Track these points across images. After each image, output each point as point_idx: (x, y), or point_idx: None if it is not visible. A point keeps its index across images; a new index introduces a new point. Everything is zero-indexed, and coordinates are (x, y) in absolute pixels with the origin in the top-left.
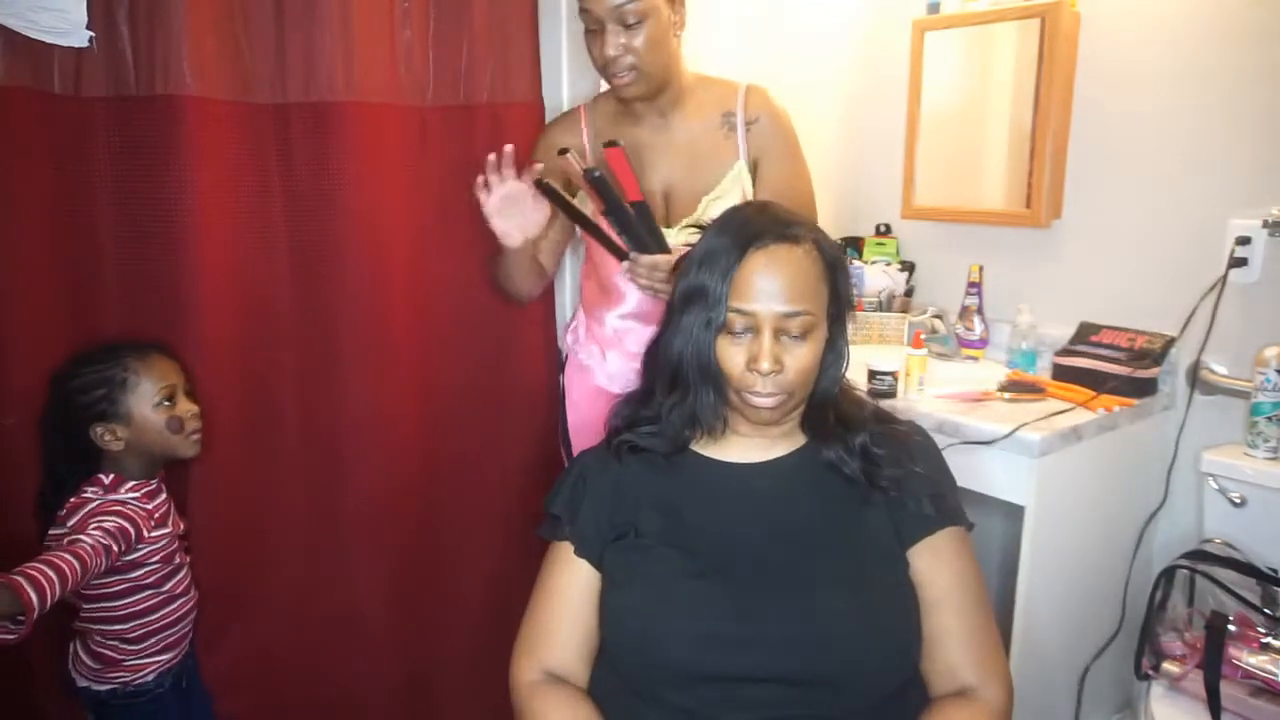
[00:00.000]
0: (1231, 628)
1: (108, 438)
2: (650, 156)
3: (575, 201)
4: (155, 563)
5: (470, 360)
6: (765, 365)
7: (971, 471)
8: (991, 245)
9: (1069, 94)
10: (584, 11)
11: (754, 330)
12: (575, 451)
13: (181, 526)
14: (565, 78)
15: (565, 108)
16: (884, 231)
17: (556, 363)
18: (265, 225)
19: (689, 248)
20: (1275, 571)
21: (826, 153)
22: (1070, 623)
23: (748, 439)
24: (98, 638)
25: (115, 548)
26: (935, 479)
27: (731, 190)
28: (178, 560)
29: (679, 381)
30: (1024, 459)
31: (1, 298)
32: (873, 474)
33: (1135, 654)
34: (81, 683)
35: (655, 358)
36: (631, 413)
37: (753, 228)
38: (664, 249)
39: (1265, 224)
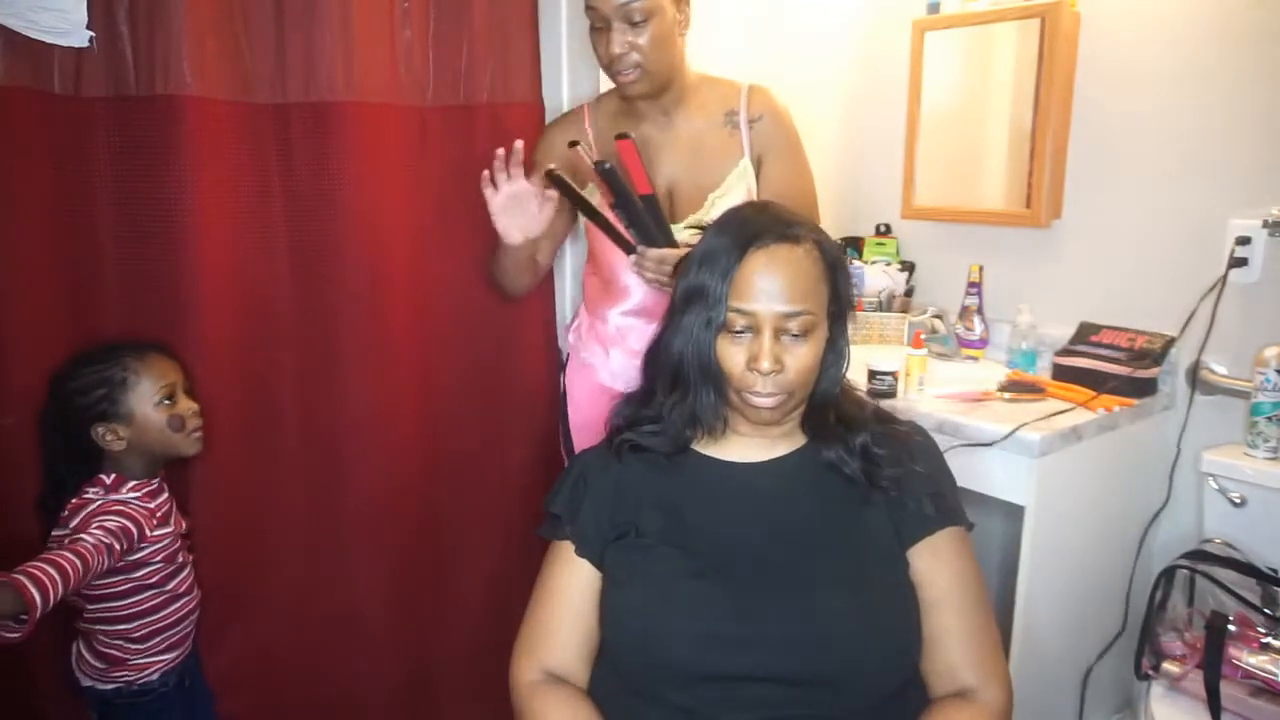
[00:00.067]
0: (1231, 628)
1: (109, 438)
2: (654, 154)
3: (583, 193)
4: (159, 562)
5: (470, 360)
6: (765, 365)
7: (971, 471)
8: (991, 245)
9: (1069, 94)
10: (590, 9)
11: (754, 330)
12: (577, 450)
13: (184, 525)
14: (565, 78)
15: (565, 108)
16: (884, 231)
17: (557, 363)
18: (265, 225)
19: (692, 247)
20: (1275, 571)
21: (826, 153)
22: (1070, 623)
23: (748, 439)
24: (102, 637)
25: (117, 546)
26: (935, 479)
27: (737, 187)
28: (181, 559)
29: (679, 381)
30: (1024, 459)
31: (1, 298)
32: (873, 474)
33: (1135, 654)
34: (86, 682)
35: (656, 357)
36: (632, 412)
37: (753, 227)
38: (671, 243)
39: (1265, 224)
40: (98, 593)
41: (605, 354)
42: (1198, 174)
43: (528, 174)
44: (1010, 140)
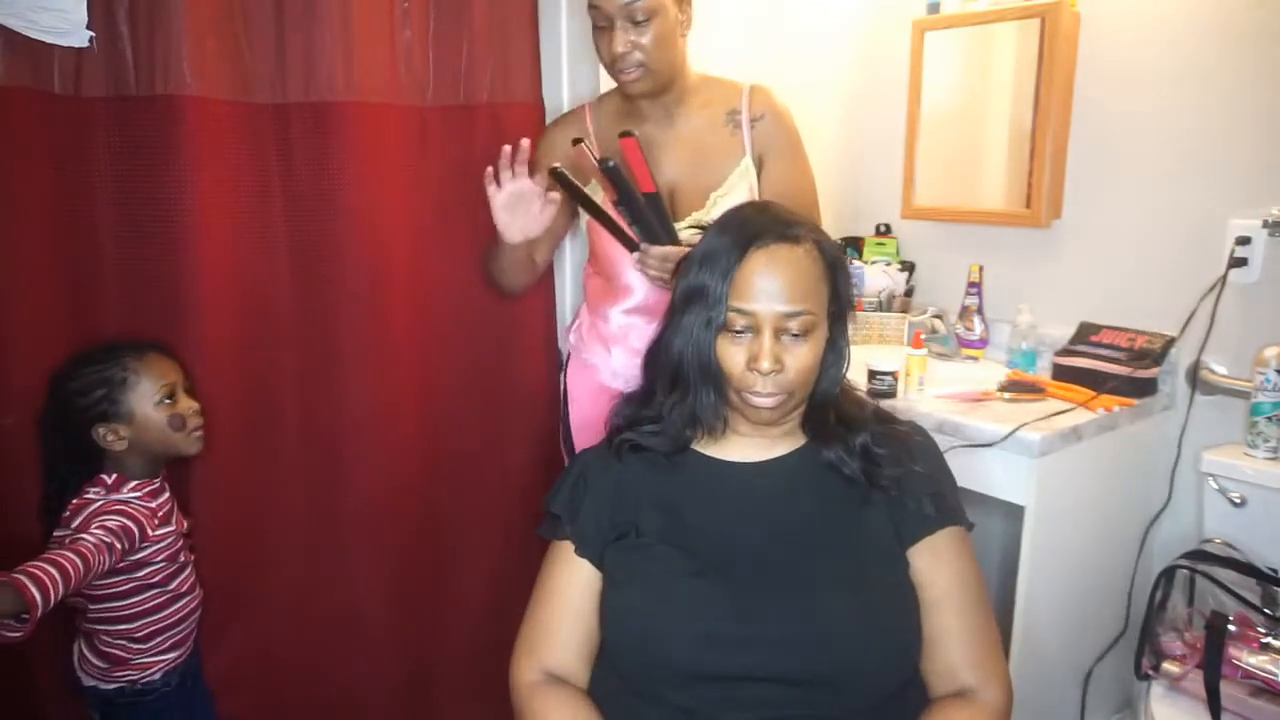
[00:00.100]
0: (1231, 628)
1: (110, 438)
2: (656, 154)
3: (586, 191)
4: (161, 561)
5: (470, 360)
6: (765, 365)
7: (971, 471)
8: (991, 245)
9: (1069, 94)
10: (593, 9)
11: (754, 330)
12: (578, 449)
13: (185, 525)
14: (565, 78)
15: (565, 108)
16: (884, 231)
17: (557, 363)
18: (265, 225)
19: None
20: (1275, 571)
21: (826, 153)
22: (1071, 623)
23: (748, 438)
24: (105, 637)
25: (119, 546)
26: (935, 479)
27: (739, 186)
28: (182, 559)
29: (679, 381)
30: (1024, 459)
31: (1, 298)
32: (873, 474)
33: (1135, 654)
34: (88, 682)
35: (656, 357)
36: (632, 412)
37: (753, 227)
38: (675, 240)
39: (1265, 224)
40: (100, 593)
41: (607, 353)
42: (1198, 174)
43: (531, 173)
44: (1010, 140)
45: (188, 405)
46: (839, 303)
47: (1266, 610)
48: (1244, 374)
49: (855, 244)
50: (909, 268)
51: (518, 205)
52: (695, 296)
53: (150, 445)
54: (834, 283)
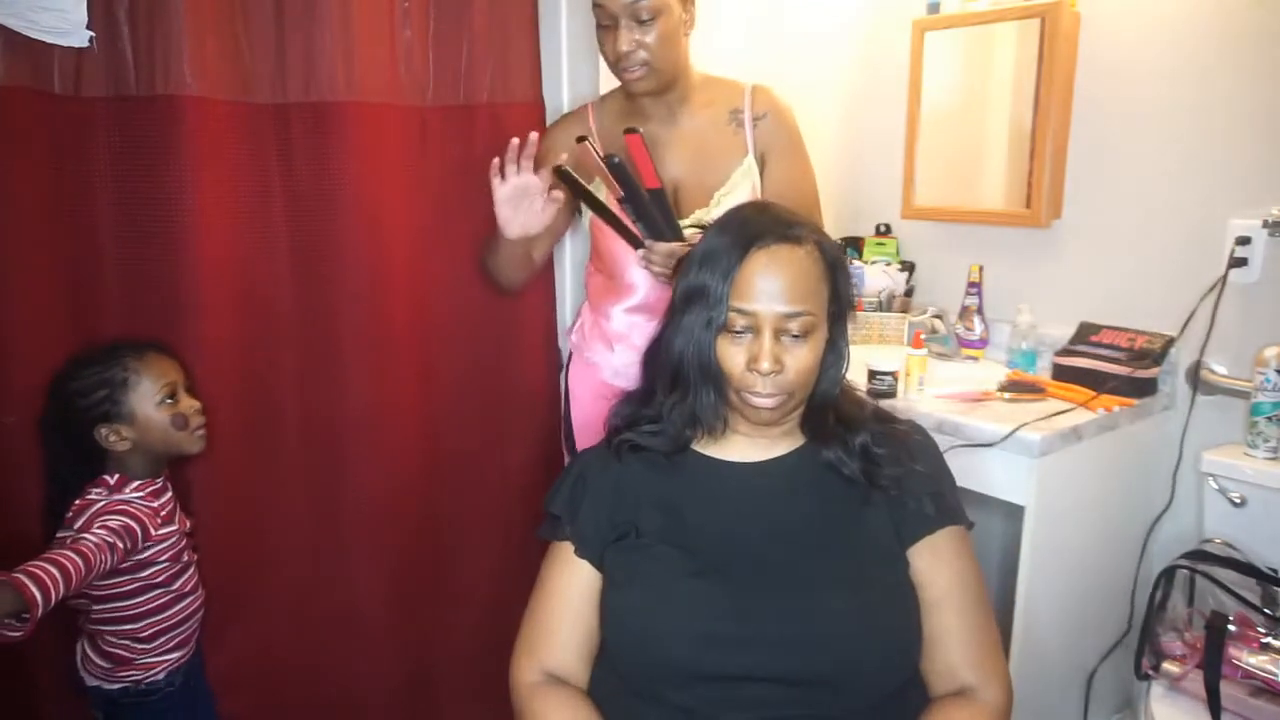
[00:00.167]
0: (1231, 628)
1: (113, 438)
2: (659, 152)
3: (590, 188)
4: (165, 561)
5: (470, 360)
6: (765, 365)
7: (971, 471)
8: (991, 245)
9: (1069, 94)
10: (597, 7)
11: (754, 330)
12: (579, 448)
13: (188, 524)
14: (565, 78)
15: (565, 108)
16: (884, 231)
17: (557, 362)
18: (265, 225)
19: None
20: (1275, 571)
21: (826, 153)
22: (1071, 623)
23: (748, 438)
24: (109, 637)
25: (121, 545)
26: (935, 478)
27: (742, 184)
28: (186, 558)
29: (679, 381)
30: (1024, 459)
31: (2, 298)
32: (873, 474)
33: (1135, 654)
34: (92, 682)
35: (656, 357)
36: (632, 412)
37: (754, 227)
38: (679, 237)
39: (1265, 224)
40: (104, 593)
41: (610, 351)
42: (1198, 174)
43: (535, 169)
44: (1010, 140)
45: (189, 404)
46: (839, 303)
47: (1266, 610)
48: (1244, 374)
49: (855, 244)
50: (909, 268)
51: (520, 201)
52: (695, 296)
53: (153, 445)
54: (834, 283)
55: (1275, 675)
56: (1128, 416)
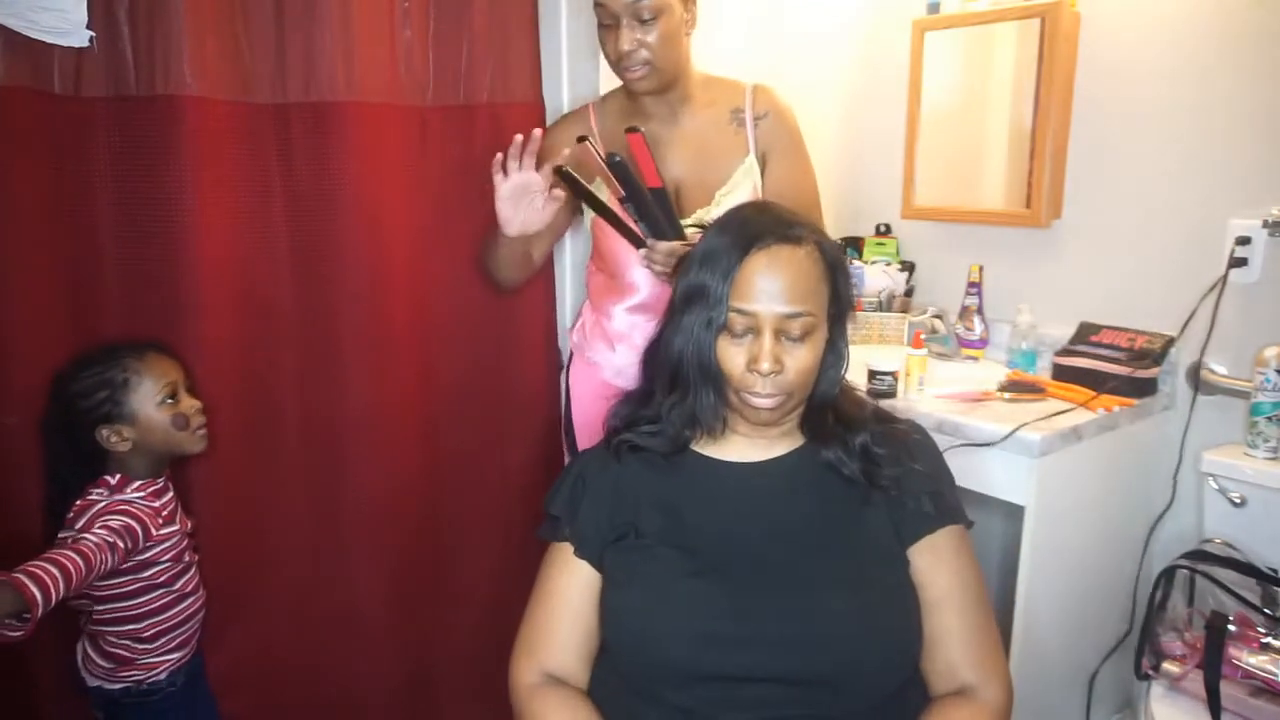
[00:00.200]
0: (1231, 628)
1: (114, 439)
2: (661, 152)
3: (591, 188)
4: (167, 561)
5: (470, 360)
6: (765, 366)
7: (971, 471)
8: (991, 245)
9: (1069, 94)
10: (599, 6)
11: (755, 331)
12: (580, 448)
13: (189, 525)
14: (565, 78)
15: (565, 108)
16: (884, 231)
17: (557, 363)
18: (265, 225)
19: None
20: (1275, 571)
21: (826, 153)
22: (1071, 623)
23: (747, 439)
24: (111, 638)
25: (122, 545)
26: (935, 477)
27: (743, 183)
28: (187, 559)
29: (679, 381)
30: (1024, 459)
31: (2, 298)
32: (873, 474)
33: (1135, 654)
34: (93, 682)
35: (655, 356)
36: (630, 412)
37: (754, 228)
38: (681, 236)
39: (1265, 224)
40: (106, 593)
41: (611, 350)
42: (1198, 174)
43: (537, 167)
44: (1010, 140)
45: (190, 404)
46: (839, 304)
47: (1266, 610)
48: (1244, 374)
49: (855, 244)
50: (909, 268)
51: (521, 198)
52: (695, 296)
53: (154, 445)
54: (834, 284)
55: (1275, 675)
56: (1128, 416)
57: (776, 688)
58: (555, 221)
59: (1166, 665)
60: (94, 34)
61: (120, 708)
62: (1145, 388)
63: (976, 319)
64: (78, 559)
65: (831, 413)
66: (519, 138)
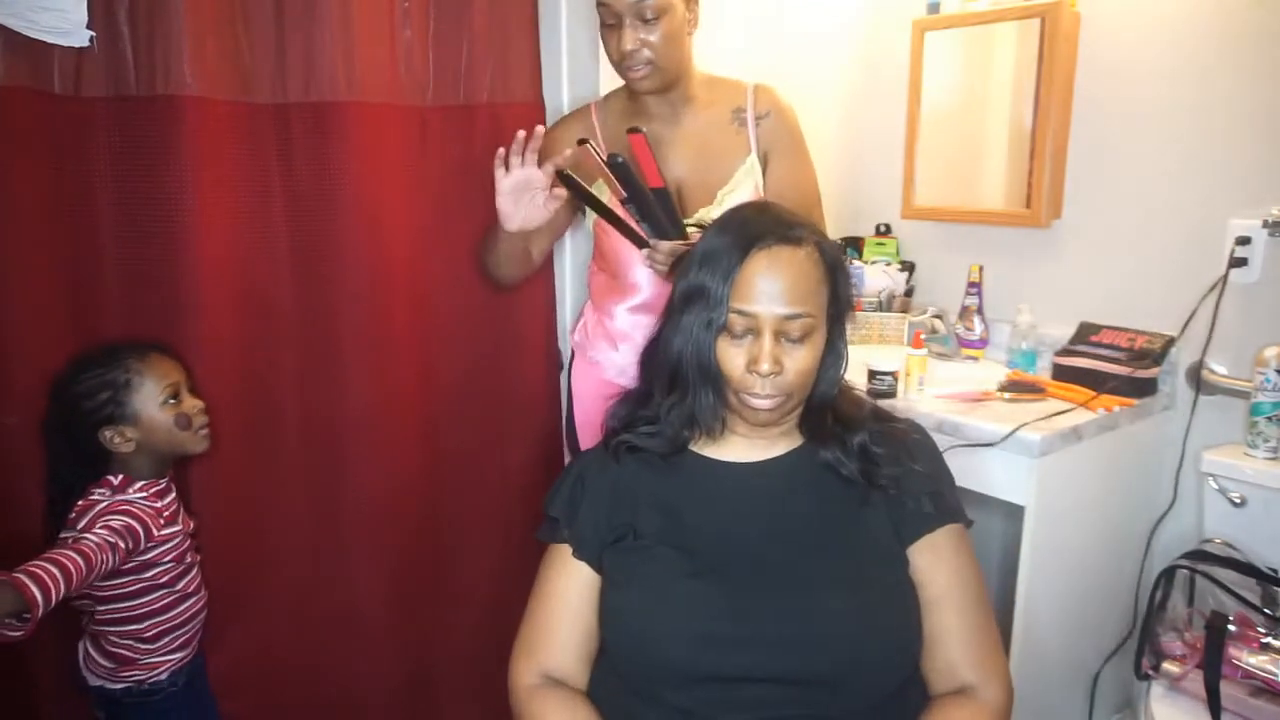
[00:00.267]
0: (1231, 628)
1: (117, 440)
2: (662, 151)
3: (592, 190)
4: (168, 562)
5: (470, 360)
6: (765, 367)
7: (971, 471)
8: (991, 245)
9: (1069, 94)
10: (602, 6)
11: (754, 332)
12: (583, 447)
13: (191, 525)
14: (565, 78)
15: (565, 108)
16: (884, 231)
17: (557, 362)
18: (265, 225)
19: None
20: (1275, 571)
21: (826, 153)
22: (1072, 623)
23: (746, 439)
24: (113, 638)
25: (123, 545)
26: (934, 477)
27: (745, 183)
28: (189, 559)
29: (678, 382)
30: (1024, 459)
31: (2, 298)
32: (871, 473)
33: (1135, 654)
34: (95, 682)
35: (654, 357)
36: (629, 413)
37: (754, 228)
38: (683, 235)
39: (1265, 224)
40: (108, 593)
41: (613, 349)
42: (1198, 174)
43: (539, 164)
44: (1010, 140)
45: (192, 404)
46: (838, 304)
47: (1266, 610)
48: (1244, 374)
49: (855, 244)
50: (909, 268)
51: (522, 194)
52: (695, 297)
53: (157, 445)
54: (834, 284)
55: (1275, 675)
56: (1128, 416)
57: (775, 688)
58: (555, 220)
59: (1166, 665)
60: (94, 34)
61: (122, 707)
62: (1145, 388)
63: (976, 319)
64: (78, 559)
65: (830, 413)
66: (521, 134)
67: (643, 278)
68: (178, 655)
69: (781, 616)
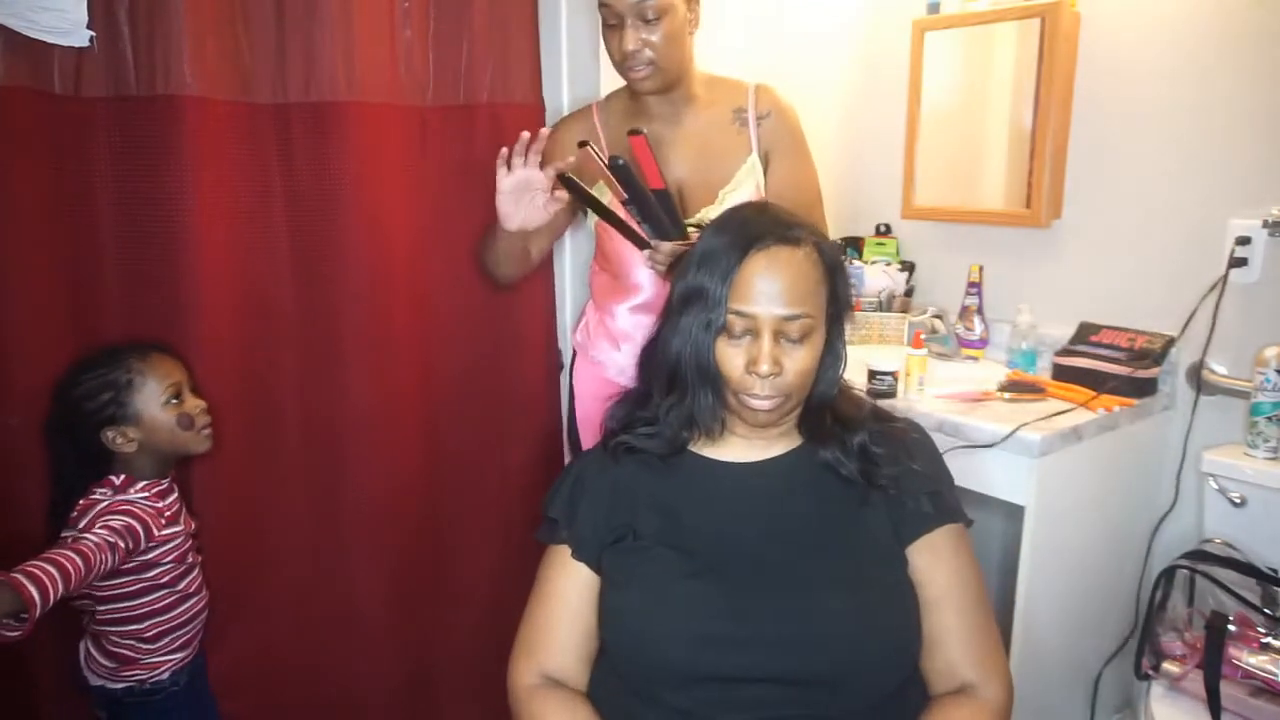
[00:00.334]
0: (1231, 628)
1: (119, 440)
2: (664, 152)
3: (593, 192)
4: (169, 562)
5: (470, 360)
6: (765, 368)
7: (971, 471)
8: (991, 245)
9: (1069, 94)
10: (604, 6)
11: (753, 333)
12: (584, 447)
13: (193, 525)
14: (565, 78)
15: (565, 108)
16: (884, 231)
17: (557, 362)
18: (266, 225)
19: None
20: (1275, 571)
21: (826, 153)
22: (1072, 624)
23: (745, 439)
24: (114, 637)
25: (122, 545)
26: (933, 476)
27: (746, 183)
28: (190, 559)
29: (677, 383)
30: (1024, 459)
31: (1, 298)
32: (871, 473)
33: (1135, 654)
34: (96, 681)
35: (652, 358)
36: (628, 414)
37: (753, 229)
38: (684, 236)
39: (1265, 224)
40: (109, 593)
41: (615, 349)
42: (1198, 174)
43: (541, 165)
44: (1010, 140)
45: (194, 404)
46: (837, 305)
47: (1266, 610)
48: (1244, 374)
49: (855, 244)
50: (909, 268)
51: (523, 195)
52: (694, 297)
53: (160, 446)
54: (833, 285)
55: (1275, 675)
56: (1128, 416)
57: (775, 688)
58: (555, 220)
59: (1166, 665)
60: (94, 34)
61: (123, 707)
62: (1145, 388)
63: (976, 319)
64: (77, 559)
65: (829, 413)
66: (525, 135)
67: (645, 278)
68: (179, 655)
69: (781, 617)
